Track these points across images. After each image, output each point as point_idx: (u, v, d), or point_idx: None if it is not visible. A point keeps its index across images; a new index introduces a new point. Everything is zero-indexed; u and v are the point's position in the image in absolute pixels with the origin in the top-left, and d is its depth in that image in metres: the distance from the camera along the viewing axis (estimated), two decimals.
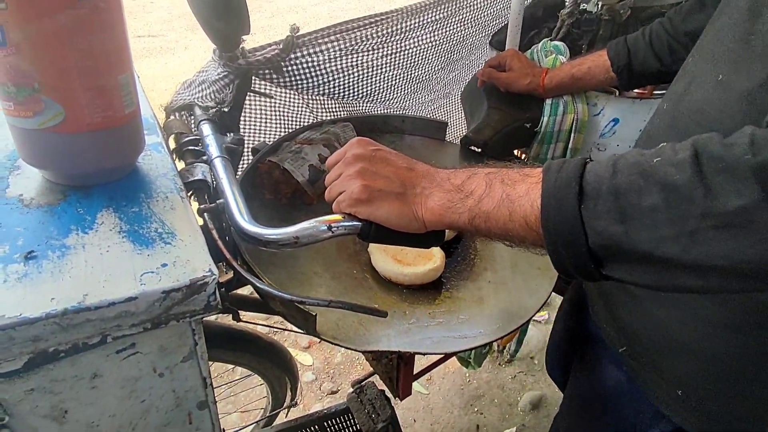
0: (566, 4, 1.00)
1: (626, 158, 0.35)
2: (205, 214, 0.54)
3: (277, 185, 0.83)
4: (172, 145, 0.68)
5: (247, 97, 0.93)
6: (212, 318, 0.97)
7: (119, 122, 0.41)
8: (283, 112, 0.98)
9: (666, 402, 0.55)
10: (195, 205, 0.56)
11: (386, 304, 0.68)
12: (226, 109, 0.70)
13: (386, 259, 0.71)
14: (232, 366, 1.55)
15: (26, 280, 0.33)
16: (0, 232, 0.37)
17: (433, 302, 0.69)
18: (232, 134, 0.66)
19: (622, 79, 0.84)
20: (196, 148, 0.63)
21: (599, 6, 0.98)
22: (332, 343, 0.59)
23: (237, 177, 0.79)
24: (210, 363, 1.12)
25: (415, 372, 0.83)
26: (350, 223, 0.48)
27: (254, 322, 0.96)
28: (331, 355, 1.70)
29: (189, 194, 0.55)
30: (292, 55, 0.73)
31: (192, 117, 0.71)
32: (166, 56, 3.65)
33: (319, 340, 0.65)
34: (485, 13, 1.05)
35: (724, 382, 0.50)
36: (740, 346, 0.48)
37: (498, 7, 1.08)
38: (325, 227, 0.48)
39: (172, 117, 0.70)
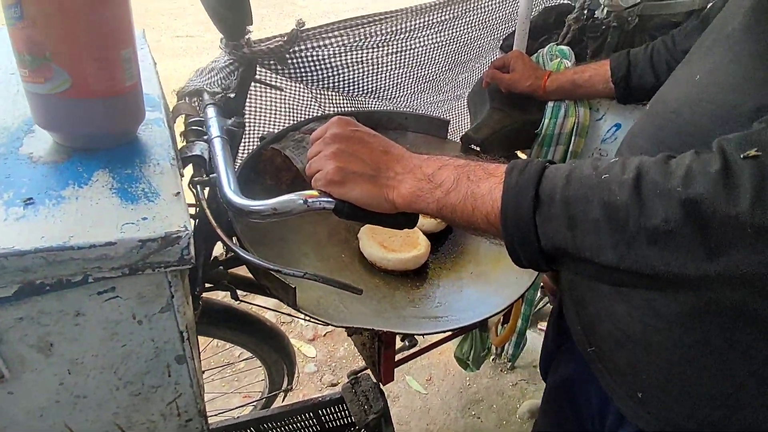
0: (574, 9, 1.01)
1: (581, 169, 0.38)
2: (198, 186, 0.58)
3: (278, 171, 0.87)
4: (181, 126, 0.73)
5: (259, 89, 0.99)
6: (215, 297, 1.02)
7: (120, 92, 0.46)
8: (293, 104, 1.03)
9: (627, 404, 0.56)
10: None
11: (368, 286, 0.71)
12: (231, 95, 0.75)
13: (373, 244, 0.74)
14: (239, 351, 1.60)
15: (23, 221, 0.38)
16: (8, 181, 0.42)
17: (414, 288, 0.72)
18: (234, 118, 0.70)
19: (620, 90, 0.84)
20: (200, 128, 0.68)
21: (606, 12, 0.99)
22: (310, 317, 0.63)
23: (237, 157, 0.84)
24: (210, 339, 1.17)
25: (399, 358, 0.85)
26: (325, 199, 0.51)
27: (258, 305, 1.01)
28: (335, 349, 1.74)
29: (184, 168, 0.60)
30: (296, 48, 0.78)
31: (201, 101, 0.76)
32: (202, 55, 3.82)
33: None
34: (493, 16, 1.08)
35: (675, 379, 0.51)
36: (687, 340, 0.49)
37: (507, 12, 1.11)
38: (302, 201, 0.51)
39: (182, 101, 0.76)
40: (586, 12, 1.01)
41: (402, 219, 0.52)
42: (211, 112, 0.70)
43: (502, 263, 0.75)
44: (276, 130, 1.05)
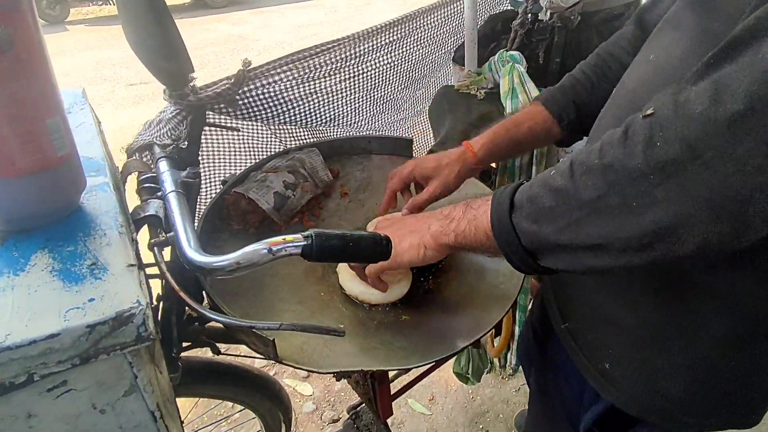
0: (518, 15, 1.03)
1: (542, 175, 0.45)
2: (155, 248, 0.54)
3: (244, 215, 0.84)
4: (134, 185, 0.69)
5: (216, 131, 0.96)
6: (194, 353, 0.96)
7: (52, 165, 0.43)
8: (253, 143, 1.00)
9: (596, 378, 0.58)
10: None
11: (352, 323, 0.68)
12: (183, 145, 0.72)
13: (353, 279, 0.71)
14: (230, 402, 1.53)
15: None
16: None
17: (400, 317, 0.69)
18: (189, 169, 0.67)
19: (571, 133, 0.72)
20: (154, 185, 0.65)
21: (549, 14, 1.01)
22: (295, 367, 0.59)
23: (199, 208, 0.80)
24: (197, 399, 1.10)
25: (396, 390, 0.82)
26: (292, 245, 0.49)
27: (242, 355, 0.96)
28: (331, 383, 1.68)
29: (139, 230, 0.57)
30: (246, 88, 0.75)
31: (152, 155, 0.73)
32: (158, 101, 3.76)
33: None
34: (441, 30, 1.08)
35: (640, 352, 0.53)
36: (654, 319, 0.52)
37: (454, 24, 1.12)
38: (266, 250, 0.48)
39: (132, 158, 0.72)
40: (530, 16, 1.02)
41: (377, 250, 0.50)
42: (163, 166, 0.67)
43: (485, 275, 0.73)
44: (237, 171, 1.02)
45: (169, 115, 0.70)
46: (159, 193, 0.63)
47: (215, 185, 0.98)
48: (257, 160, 1.01)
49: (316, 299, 0.72)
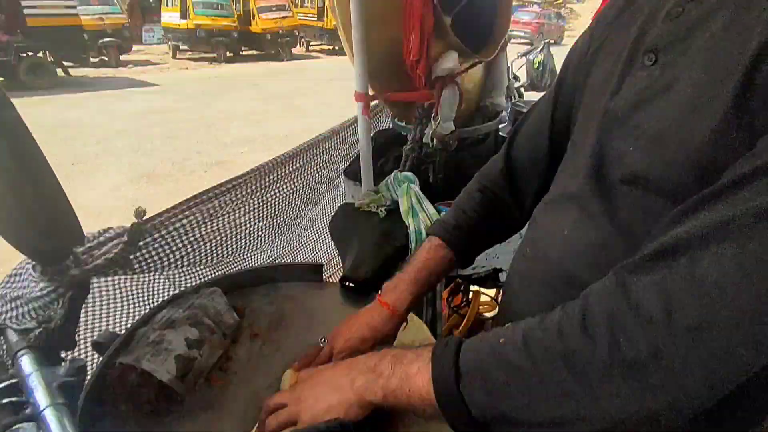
0: (408, 140, 1.13)
1: (487, 338, 0.44)
2: None
3: (135, 390, 0.67)
4: None
5: None
6: None
7: None
8: (132, 288, 0.84)
9: None
10: None
11: None
12: (57, 324, 0.55)
13: None
14: None
15: None
16: None
17: None
18: (67, 362, 0.51)
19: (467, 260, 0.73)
20: (16, 398, 0.47)
21: (433, 140, 1.13)
22: None
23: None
24: None
25: None
26: None
27: None
28: None
29: None
30: (141, 243, 0.64)
31: (5, 344, 0.54)
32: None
33: None
34: (337, 152, 1.12)
35: None
36: None
37: (348, 144, 1.17)
38: None
39: None
40: (419, 142, 1.13)
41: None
42: (27, 363, 0.50)
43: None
44: (116, 327, 0.83)
45: (35, 292, 0.53)
46: (28, 410, 0.46)
47: (84, 349, 0.77)
48: (139, 309, 0.84)
49: None
